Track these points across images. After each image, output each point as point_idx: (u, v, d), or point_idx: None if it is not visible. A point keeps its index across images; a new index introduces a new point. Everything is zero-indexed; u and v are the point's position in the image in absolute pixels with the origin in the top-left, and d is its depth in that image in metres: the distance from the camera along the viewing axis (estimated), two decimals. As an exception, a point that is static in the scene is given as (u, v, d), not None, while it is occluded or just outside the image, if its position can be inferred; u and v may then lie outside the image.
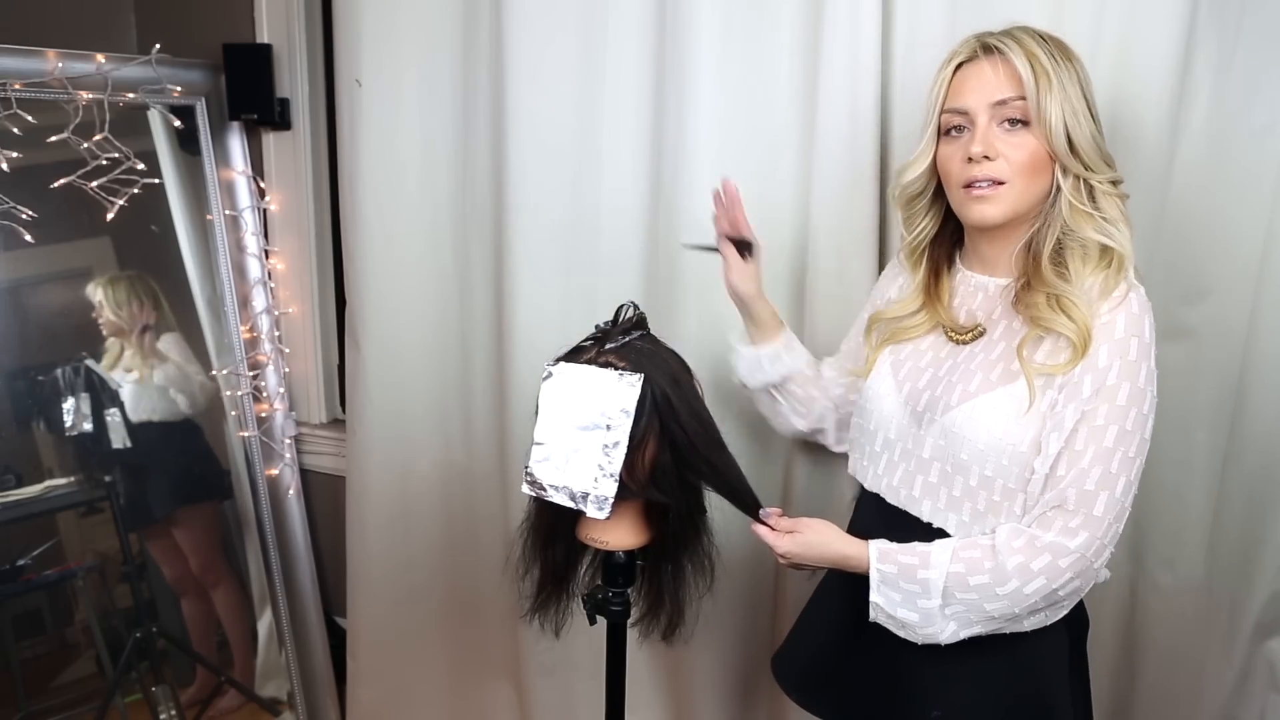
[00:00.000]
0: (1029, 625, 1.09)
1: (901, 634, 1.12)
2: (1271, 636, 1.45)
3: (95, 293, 2.10)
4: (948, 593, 1.07)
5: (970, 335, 1.17)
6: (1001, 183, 1.09)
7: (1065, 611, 1.11)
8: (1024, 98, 1.06)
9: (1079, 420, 1.04)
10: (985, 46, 1.10)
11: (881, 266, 1.57)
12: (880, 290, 1.37)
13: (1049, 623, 1.10)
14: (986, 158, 1.08)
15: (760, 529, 1.22)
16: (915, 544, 1.12)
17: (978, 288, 1.20)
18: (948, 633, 1.09)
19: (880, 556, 1.12)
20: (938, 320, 1.21)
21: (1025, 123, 1.08)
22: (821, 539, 1.18)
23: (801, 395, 1.43)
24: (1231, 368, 1.40)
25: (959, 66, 1.12)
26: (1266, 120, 1.32)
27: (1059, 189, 1.09)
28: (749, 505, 1.25)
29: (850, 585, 1.20)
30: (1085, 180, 1.08)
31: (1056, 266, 1.09)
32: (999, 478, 1.10)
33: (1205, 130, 1.34)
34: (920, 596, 1.08)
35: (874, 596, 1.12)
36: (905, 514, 1.20)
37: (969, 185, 1.10)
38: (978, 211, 1.11)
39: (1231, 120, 1.33)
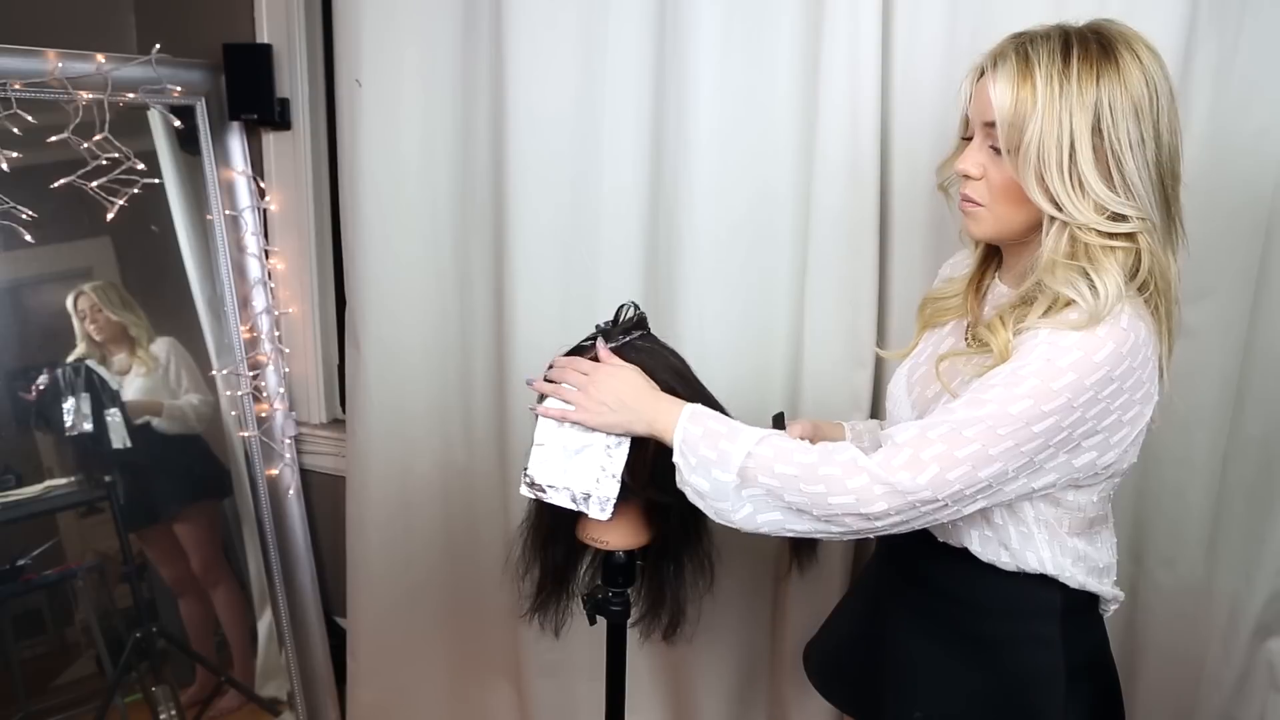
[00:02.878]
0: (829, 521, 1.01)
1: (700, 505, 1.07)
2: (1271, 636, 1.45)
3: (78, 300, 2.08)
4: (745, 473, 1.02)
5: (978, 348, 1.14)
6: (981, 204, 1.06)
7: (870, 528, 1.01)
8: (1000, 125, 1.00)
9: (975, 380, 1.00)
10: (993, 58, 1.02)
11: (882, 266, 1.57)
12: (943, 274, 1.33)
13: (854, 528, 1.02)
14: (968, 176, 1.06)
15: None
16: (734, 421, 1.09)
17: (999, 298, 1.16)
18: (742, 514, 1.04)
19: (691, 416, 1.08)
20: (966, 312, 1.19)
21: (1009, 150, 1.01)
22: (641, 383, 1.12)
23: None
24: (1231, 368, 1.40)
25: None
26: (1266, 120, 1.32)
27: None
28: None
29: (871, 581, 1.19)
30: (1068, 226, 1.00)
31: (1024, 300, 1.04)
32: None
33: (1205, 130, 1.34)
34: (715, 467, 1.04)
35: (675, 458, 1.07)
36: None
37: (962, 197, 1.09)
38: (964, 224, 1.11)
39: (1231, 120, 1.33)
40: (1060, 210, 0.99)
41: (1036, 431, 0.96)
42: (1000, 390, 0.97)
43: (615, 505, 1.15)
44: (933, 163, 1.45)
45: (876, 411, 1.62)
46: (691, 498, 1.08)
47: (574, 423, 1.15)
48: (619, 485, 1.14)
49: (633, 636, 1.35)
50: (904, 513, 0.99)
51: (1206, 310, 1.39)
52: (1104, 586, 1.12)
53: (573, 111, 1.72)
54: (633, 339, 1.21)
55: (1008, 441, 0.96)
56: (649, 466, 1.18)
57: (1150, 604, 1.51)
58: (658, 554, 1.31)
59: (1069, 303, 1.00)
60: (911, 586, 1.19)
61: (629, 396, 1.12)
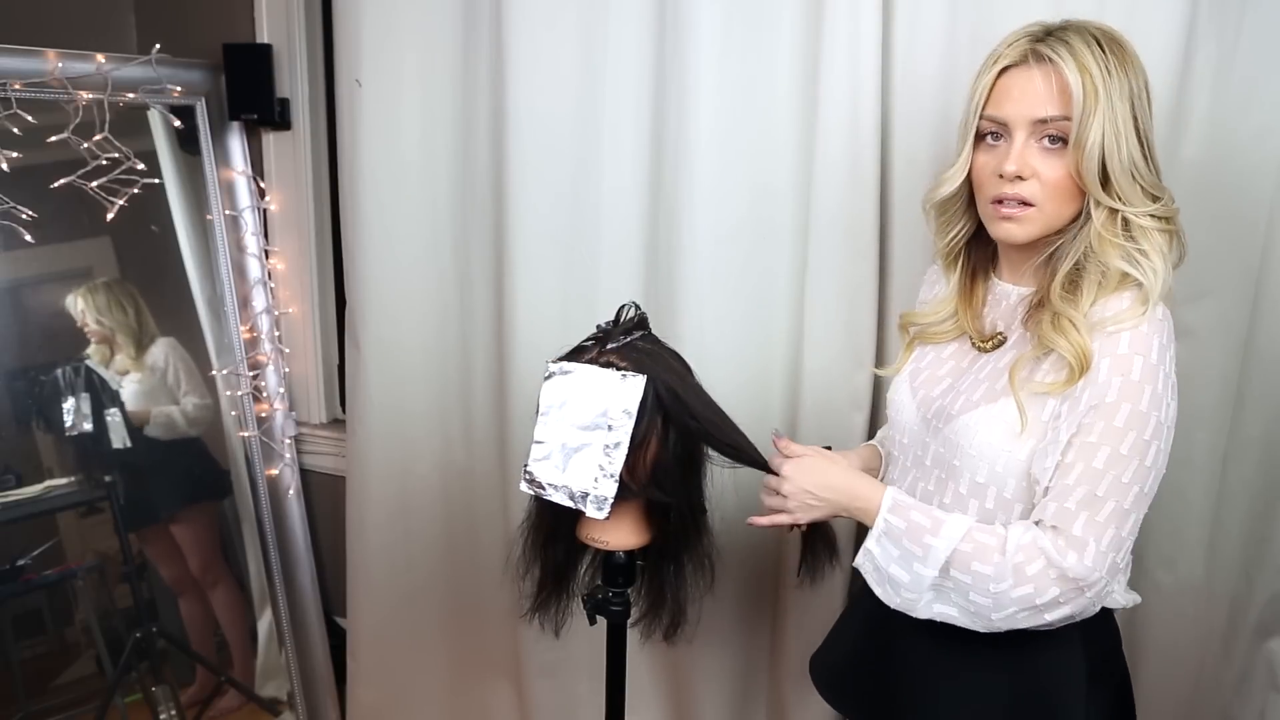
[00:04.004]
0: (1000, 624, 1.03)
1: (880, 590, 1.09)
2: (1271, 636, 1.45)
3: (76, 303, 2.08)
4: (946, 567, 1.03)
5: (992, 344, 1.14)
6: (1031, 204, 1.04)
7: (1041, 623, 1.03)
8: (1069, 118, 1.00)
9: (1073, 434, 1.00)
10: (1037, 54, 1.01)
11: (882, 266, 1.57)
12: (921, 296, 1.33)
13: (1021, 627, 1.03)
14: (1019, 177, 1.03)
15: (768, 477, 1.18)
16: (932, 508, 1.08)
17: (1001, 296, 1.16)
18: (924, 601, 1.06)
19: (892, 507, 1.07)
20: (964, 328, 1.18)
21: (1066, 140, 1.01)
22: (825, 467, 1.14)
23: None
24: (1231, 368, 1.40)
25: (1004, 70, 1.04)
26: (1266, 120, 1.32)
27: (1089, 216, 1.03)
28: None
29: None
30: (1120, 213, 1.02)
31: (1067, 288, 1.04)
32: (992, 484, 1.08)
33: (1205, 130, 1.34)
34: (918, 561, 1.04)
35: (870, 544, 1.08)
36: None
37: (998, 201, 1.06)
38: (1004, 230, 1.07)
39: (1231, 120, 1.33)
40: (1120, 199, 1.01)
41: (1147, 461, 0.99)
42: (1101, 427, 0.98)
43: (615, 505, 1.15)
44: (934, 161, 1.46)
45: (876, 411, 1.62)
46: (877, 582, 1.10)
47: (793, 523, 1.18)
48: (617, 485, 1.14)
49: (633, 636, 1.34)
50: (1073, 602, 1.00)
51: (1206, 310, 1.39)
52: (1117, 589, 1.11)
53: (573, 111, 1.72)
54: (633, 339, 1.21)
55: (1136, 485, 0.99)
56: (649, 467, 1.18)
57: (1150, 604, 1.51)
58: (658, 554, 1.31)
59: (1118, 283, 1.02)
60: None
61: (824, 485, 1.14)
